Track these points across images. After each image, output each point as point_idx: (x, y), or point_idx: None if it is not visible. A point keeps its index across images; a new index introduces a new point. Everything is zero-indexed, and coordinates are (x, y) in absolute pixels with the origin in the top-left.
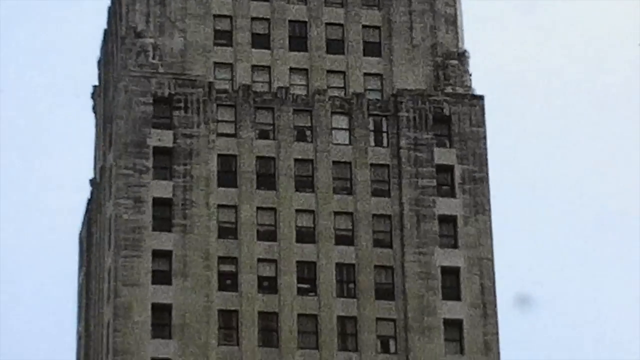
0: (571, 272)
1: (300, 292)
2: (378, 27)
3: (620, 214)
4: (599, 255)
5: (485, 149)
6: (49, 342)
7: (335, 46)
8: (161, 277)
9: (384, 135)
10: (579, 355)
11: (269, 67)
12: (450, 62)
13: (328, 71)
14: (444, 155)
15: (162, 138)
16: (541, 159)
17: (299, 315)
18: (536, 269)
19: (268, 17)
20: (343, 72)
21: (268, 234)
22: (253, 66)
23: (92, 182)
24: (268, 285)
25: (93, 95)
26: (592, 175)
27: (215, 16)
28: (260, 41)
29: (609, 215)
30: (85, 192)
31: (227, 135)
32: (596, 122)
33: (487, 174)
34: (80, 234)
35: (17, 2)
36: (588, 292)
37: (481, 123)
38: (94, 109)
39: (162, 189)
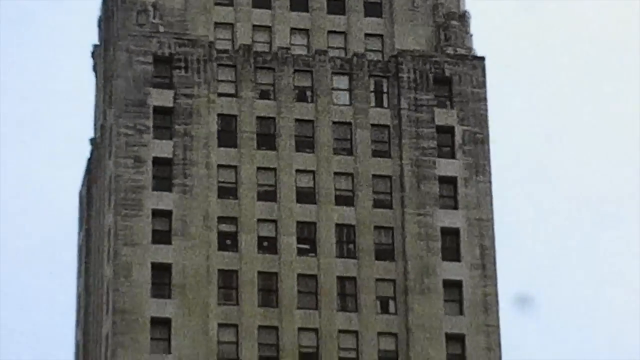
0: (570, 264)
1: (300, 252)
2: None
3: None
4: (598, 249)
5: (486, 110)
6: (49, 302)
7: (336, 6)
8: (161, 237)
9: (385, 96)
10: (579, 355)
11: (269, 27)
12: (451, 23)
13: (329, 31)
14: (444, 116)
15: (162, 97)
16: (542, 120)
17: (299, 275)
18: (537, 236)
19: None
20: (344, 33)
21: (268, 194)
22: (254, 26)
23: (92, 141)
24: (268, 245)
25: (93, 55)
26: (596, 140)
27: None
28: (261, 1)
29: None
30: (85, 151)
31: (228, 95)
32: (599, 80)
33: (487, 135)
34: (80, 193)
35: None
36: (588, 292)
37: (482, 84)
38: (94, 68)
39: (162, 148)
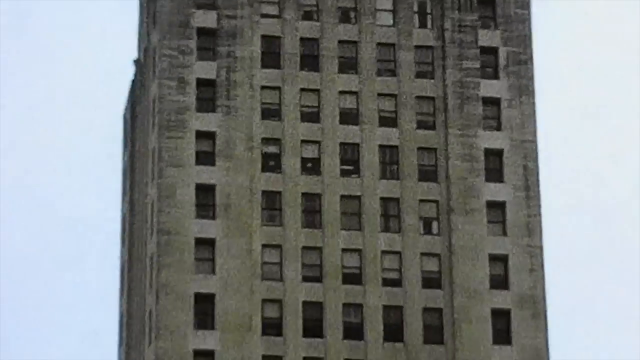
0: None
1: (343, 173)
2: None
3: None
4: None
5: (530, 30)
6: (94, 223)
7: None
8: (205, 158)
9: (428, 16)
10: (579, 355)
11: None
12: None
13: None
14: (488, 37)
15: (206, 19)
16: (587, 42)
17: (342, 196)
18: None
19: None
20: None
21: (311, 115)
22: None
23: (136, 62)
24: (311, 166)
25: None
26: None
27: None
28: None
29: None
30: (129, 72)
31: (271, 16)
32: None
33: (531, 56)
34: (125, 114)
35: None
36: (588, 291)
37: (526, 5)
38: None
39: (206, 69)
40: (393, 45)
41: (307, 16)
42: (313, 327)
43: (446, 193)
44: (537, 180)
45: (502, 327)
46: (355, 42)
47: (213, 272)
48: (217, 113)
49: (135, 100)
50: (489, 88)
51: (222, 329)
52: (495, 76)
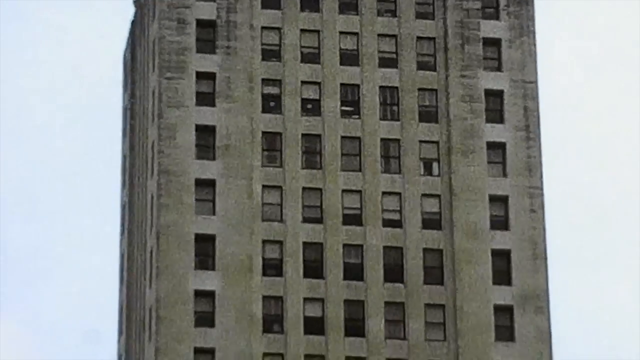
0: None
1: (344, 114)
2: None
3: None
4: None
5: None
6: (94, 163)
7: None
8: (205, 99)
9: None
10: (579, 355)
11: None
12: None
13: None
14: None
15: None
16: None
17: (343, 137)
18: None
19: None
20: None
21: (312, 56)
22: None
23: (136, 3)
24: (312, 107)
25: None
26: None
27: None
28: None
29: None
30: (129, 13)
31: None
32: None
33: None
34: (125, 54)
35: None
36: (588, 291)
37: None
38: None
39: (206, 10)
40: None
41: None
42: (313, 268)
43: (446, 134)
44: (538, 121)
45: (502, 267)
46: None
47: (213, 213)
48: (217, 54)
49: (135, 41)
50: (490, 29)
51: (222, 269)
52: (496, 17)
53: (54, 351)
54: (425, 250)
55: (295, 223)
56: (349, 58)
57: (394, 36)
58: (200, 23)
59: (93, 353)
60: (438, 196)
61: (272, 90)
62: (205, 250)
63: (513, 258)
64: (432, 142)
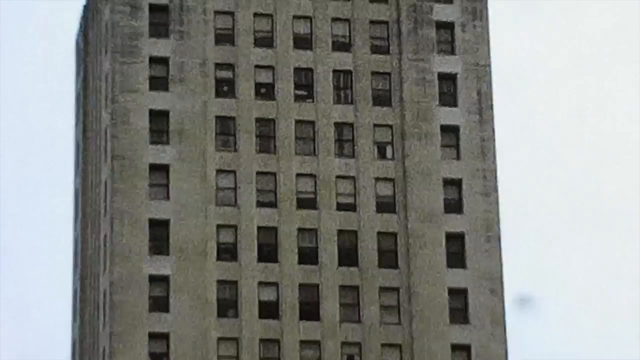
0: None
1: (298, 98)
2: None
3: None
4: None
5: None
6: (46, 148)
7: None
8: (158, 83)
9: None
10: (579, 354)
11: None
12: None
13: None
14: None
15: None
16: None
17: (296, 121)
18: (534, 80)
19: None
20: None
21: (265, 41)
22: None
23: None
24: (265, 91)
25: None
26: None
27: None
28: None
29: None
30: None
31: None
32: None
33: None
34: (77, 39)
35: None
36: (588, 291)
37: None
38: None
39: None
40: None
41: None
42: (268, 252)
43: (400, 117)
44: (491, 104)
45: (456, 250)
46: None
47: (167, 197)
48: (170, 39)
49: (88, 25)
50: (443, 12)
51: (177, 254)
52: (449, 0)
53: (7, 337)
54: (379, 233)
55: (250, 207)
56: (303, 42)
57: (348, 20)
58: (153, 7)
59: (48, 337)
60: (392, 180)
61: (226, 74)
62: (159, 235)
63: (467, 241)
64: (386, 125)
